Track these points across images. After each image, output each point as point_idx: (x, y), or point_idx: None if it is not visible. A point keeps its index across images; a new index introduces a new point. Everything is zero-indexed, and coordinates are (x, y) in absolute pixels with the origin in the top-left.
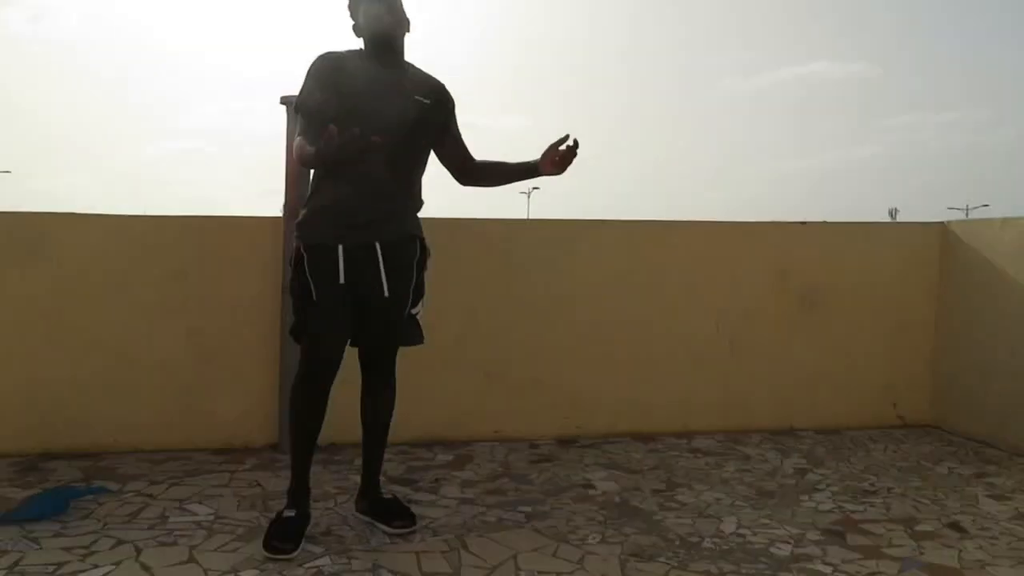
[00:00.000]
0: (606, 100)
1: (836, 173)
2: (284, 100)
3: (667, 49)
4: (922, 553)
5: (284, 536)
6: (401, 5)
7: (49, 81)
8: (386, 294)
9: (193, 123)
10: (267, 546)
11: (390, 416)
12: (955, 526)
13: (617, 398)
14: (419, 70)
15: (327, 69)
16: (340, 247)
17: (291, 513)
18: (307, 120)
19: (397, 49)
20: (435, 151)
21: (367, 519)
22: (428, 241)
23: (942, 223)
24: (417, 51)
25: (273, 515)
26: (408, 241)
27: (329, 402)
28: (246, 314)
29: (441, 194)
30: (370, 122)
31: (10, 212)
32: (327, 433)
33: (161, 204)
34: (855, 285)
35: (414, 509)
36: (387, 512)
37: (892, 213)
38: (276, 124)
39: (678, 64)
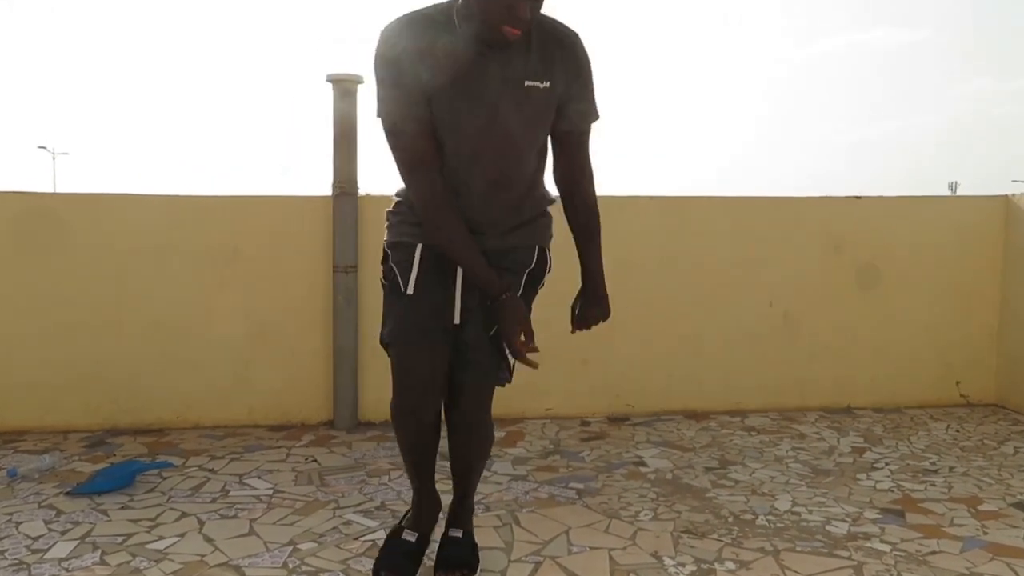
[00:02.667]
0: (656, 69)
1: (894, 144)
2: (331, 78)
3: (722, 15)
4: (985, 532)
5: (395, 565)
6: None
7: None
8: (455, 319)
9: None
10: (376, 573)
11: (475, 459)
12: (1021, 506)
13: (668, 376)
14: (540, 24)
15: (405, 59)
16: (419, 246)
17: (411, 537)
18: (392, 139)
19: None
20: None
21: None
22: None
23: (1005, 196)
24: None
25: (389, 528)
26: (514, 250)
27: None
28: (299, 291)
29: None
30: (463, 133)
31: (69, 193)
32: (380, 409)
33: None
34: (914, 260)
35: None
36: (442, 554)
37: (952, 187)
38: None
39: (733, 32)
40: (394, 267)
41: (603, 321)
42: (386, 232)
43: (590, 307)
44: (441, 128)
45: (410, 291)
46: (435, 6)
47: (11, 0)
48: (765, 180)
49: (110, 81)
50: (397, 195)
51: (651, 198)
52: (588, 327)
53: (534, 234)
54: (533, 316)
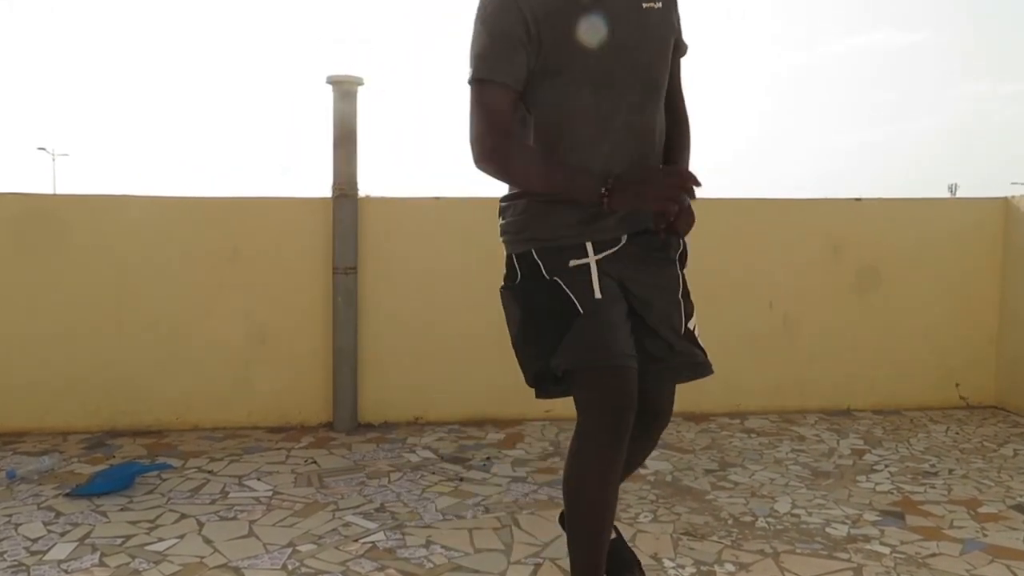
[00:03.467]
0: None
1: (894, 146)
2: (331, 80)
3: (725, 19)
4: (985, 534)
5: None
6: None
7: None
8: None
9: None
10: None
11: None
12: (1021, 508)
13: None
14: None
15: (508, 28)
16: (589, 244)
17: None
18: (496, 65)
19: None
20: None
21: None
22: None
23: (1004, 198)
24: None
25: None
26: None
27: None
28: (298, 293)
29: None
30: (610, 58)
31: (69, 194)
32: (380, 411)
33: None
34: (914, 262)
35: (466, 487)
36: (612, 555)
37: (951, 189)
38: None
39: (734, 32)
40: (563, 286)
41: (691, 226)
42: (515, 241)
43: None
44: (581, 63)
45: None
46: None
47: (11, 0)
48: (765, 182)
49: (110, 82)
50: (504, 200)
51: None
52: (678, 231)
53: None
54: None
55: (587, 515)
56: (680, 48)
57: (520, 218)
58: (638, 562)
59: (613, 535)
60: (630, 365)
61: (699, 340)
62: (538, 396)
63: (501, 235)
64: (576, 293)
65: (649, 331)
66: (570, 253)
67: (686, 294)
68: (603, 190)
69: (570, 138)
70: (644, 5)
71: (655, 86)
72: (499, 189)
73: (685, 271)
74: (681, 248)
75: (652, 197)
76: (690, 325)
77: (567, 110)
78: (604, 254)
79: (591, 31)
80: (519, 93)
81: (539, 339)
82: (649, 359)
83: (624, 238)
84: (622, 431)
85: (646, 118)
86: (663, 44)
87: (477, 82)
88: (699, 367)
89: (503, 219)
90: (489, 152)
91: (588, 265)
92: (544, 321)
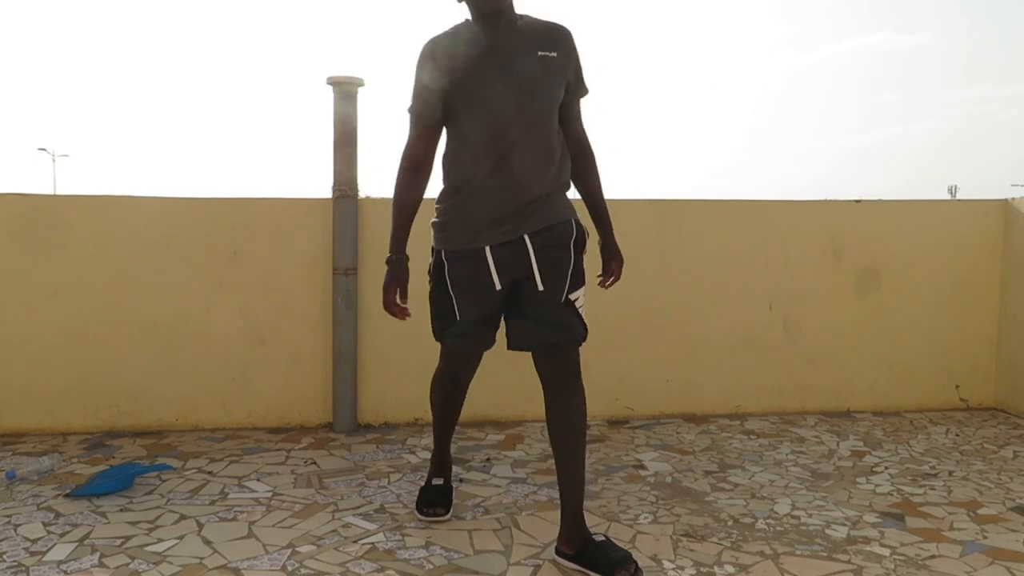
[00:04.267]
0: (659, 72)
1: (894, 148)
2: (331, 81)
3: (723, 20)
4: (985, 536)
5: (431, 500)
6: None
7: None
8: (540, 288)
9: None
10: (420, 510)
11: (579, 433)
12: (1021, 510)
13: (668, 379)
14: (535, 19)
15: (438, 54)
16: (488, 249)
17: (439, 482)
18: (422, 109)
19: (506, 7)
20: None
21: (576, 567)
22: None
23: (1004, 200)
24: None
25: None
26: (559, 224)
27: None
28: (298, 294)
29: None
30: (494, 99)
31: (69, 195)
32: (379, 412)
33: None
34: (914, 264)
35: (466, 488)
36: (601, 558)
37: (951, 191)
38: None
39: (735, 36)
40: (459, 275)
41: (621, 267)
42: (435, 238)
43: (611, 259)
44: (473, 106)
45: (498, 288)
46: (453, 26)
47: (11, 0)
48: (765, 183)
49: (110, 82)
50: (440, 206)
51: (651, 201)
52: (618, 277)
53: (566, 208)
54: None
55: (433, 412)
56: (579, 90)
57: (439, 220)
58: (628, 556)
59: (600, 538)
60: (472, 351)
61: (580, 312)
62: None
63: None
64: (458, 298)
65: (535, 301)
66: (470, 257)
67: (576, 273)
68: (389, 258)
69: (468, 154)
70: (539, 53)
71: (536, 121)
72: None
73: (583, 254)
74: (575, 235)
75: (386, 289)
76: (572, 297)
77: (467, 136)
78: (499, 249)
79: (482, 81)
80: (438, 127)
81: (437, 312)
82: (535, 324)
83: (526, 236)
84: (458, 376)
85: (528, 144)
86: (551, 89)
87: (410, 121)
88: (570, 328)
89: (434, 217)
90: (398, 174)
91: (486, 263)
92: (438, 303)
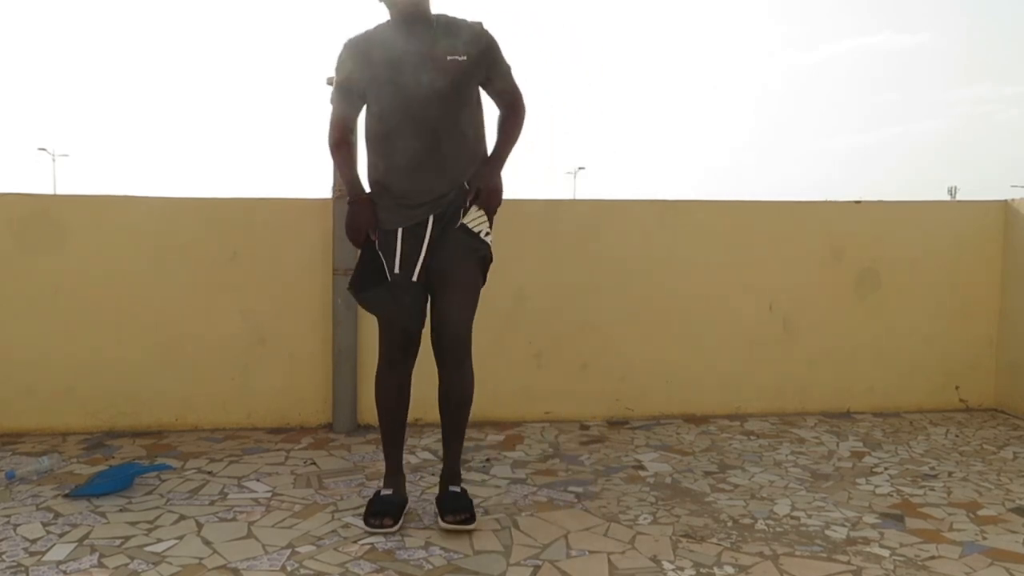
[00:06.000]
0: (657, 71)
1: (894, 149)
2: (331, 81)
3: (723, 20)
4: (985, 538)
5: (378, 511)
6: None
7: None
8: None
9: None
10: (366, 521)
11: (461, 403)
12: (1020, 511)
13: (668, 380)
14: (451, 20)
15: (354, 51)
16: (400, 230)
17: (388, 492)
18: (338, 99)
19: (422, 12)
20: (486, 92)
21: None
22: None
23: (1004, 201)
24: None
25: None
26: (455, 201)
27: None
28: (298, 294)
29: None
30: (403, 96)
31: (69, 195)
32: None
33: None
34: (913, 265)
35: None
36: (444, 505)
37: (951, 191)
38: None
39: (735, 37)
40: (380, 252)
41: (490, 205)
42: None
43: (476, 181)
44: (386, 100)
45: (395, 271)
46: (376, 25)
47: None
48: (765, 184)
49: (110, 82)
50: (370, 179)
51: (651, 201)
52: (482, 202)
53: (462, 179)
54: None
55: (378, 415)
56: (499, 77)
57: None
58: (462, 508)
59: (458, 489)
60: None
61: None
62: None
63: None
64: (388, 264)
65: (440, 259)
66: (390, 234)
67: (463, 227)
68: (351, 201)
69: (376, 153)
70: (449, 57)
71: (438, 124)
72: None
73: (468, 217)
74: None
75: (350, 229)
76: (464, 220)
77: (378, 124)
78: (409, 231)
79: (391, 87)
80: (352, 119)
81: (361, 276)
82: (435, 276)
83: (430, 218)
84: (395, 363)
85: (431, 132)
86: (461, 89)
87: (331, 111)
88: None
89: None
90: (328, 144)
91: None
92: (367, 268)
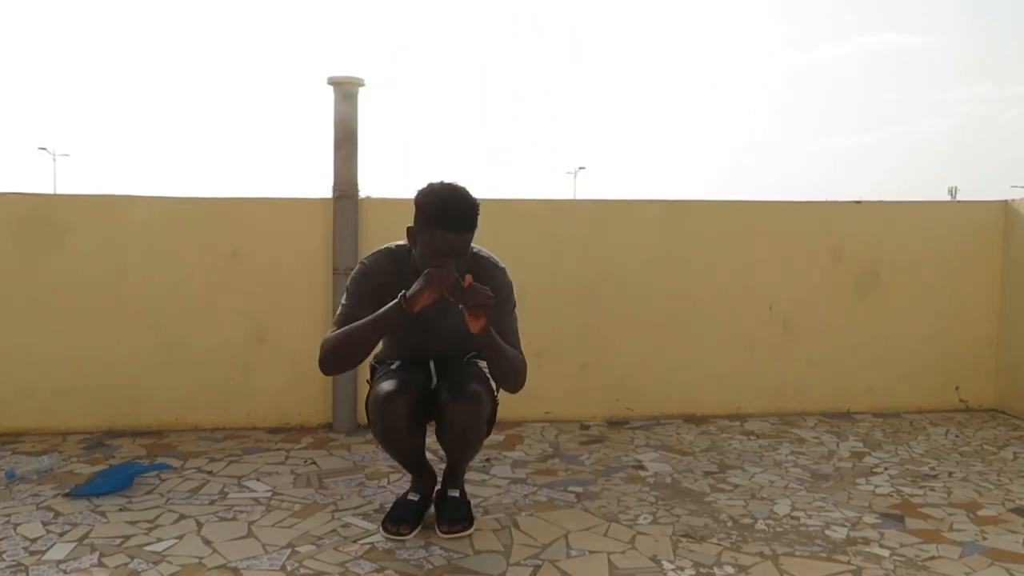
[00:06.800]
0: (657, 71)
1: (895, 149)
2: (332, 81)
3: (723, 20)
4: (985, 538)
5: (396, 517)
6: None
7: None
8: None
9: None
10: (383, 525)
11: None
12: (1020, 511)
13: (668, 380)
14: (474, 263)
15: (371, 290)
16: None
17: (414, 497)
18: (341, 320)
19: None
20: None
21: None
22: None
23: (1004, 201)
24: None
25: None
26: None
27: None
28: (298, 294)
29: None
30: (416, 347)
31: (69, 194)
32: None
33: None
34: (914, 265)
35: (465, 488)
36: (442, 512)
37: (952, 192)
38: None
39: (735, 37)
40: (377, 366)
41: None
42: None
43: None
44: (400, 347)
45: (393, 366)
46: (400, 249)
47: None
48: (765, 184)
49: (111, 82)
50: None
51: (651, 201)
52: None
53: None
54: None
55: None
56: (502, 322)
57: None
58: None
59: (455, 494)
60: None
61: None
62: None
63: None
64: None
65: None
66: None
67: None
68: (402, 300)
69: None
70: (460, 306)
71: (461, 350)
72: (496, 190)
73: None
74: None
75: (431, 287)
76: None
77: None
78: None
79: (409, 331)
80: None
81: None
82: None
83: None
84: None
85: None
86: (461, 334)
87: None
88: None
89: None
90: (336, 337)
91: None
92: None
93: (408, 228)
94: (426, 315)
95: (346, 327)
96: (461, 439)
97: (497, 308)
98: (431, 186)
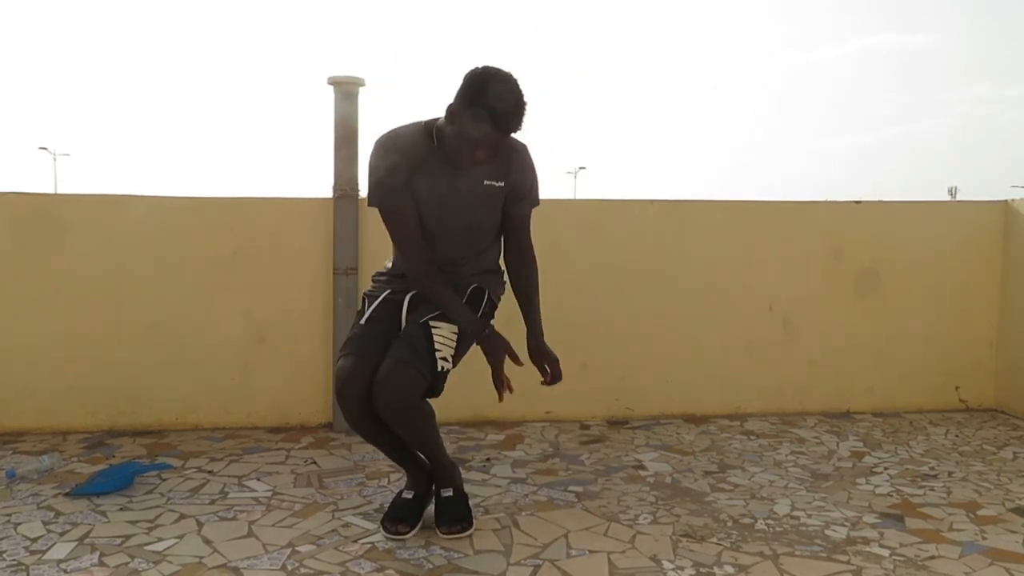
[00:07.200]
0: (658, 71)
1: (895, 149)
2: (332, 81)
3: (723, 20)
4: (984, 537)
5: (395, 516)
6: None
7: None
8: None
9: None
10: (383, 525)
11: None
12: (1020, 511)
13: (668, 379)
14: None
15: (392, 161)
16: (384, 293)
17: (408, 495)
18: (390, 218)
19: None
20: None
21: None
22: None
23: (1004, 201)
24: None
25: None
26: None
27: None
28: (298, 294)
29: None
30: (437, 221)
31: (70, 194)
32: None
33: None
34: (914, 265)
35: (465, 488)
36: (439, 513)
37: (952, 192)
38: None
39: (735, 37)
40: (364, 299)
41: (556, 366)
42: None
43: (543, 360)
44: (422, 215)
45: (363, 320)
46: (418, 124)
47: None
48: (764, 184)
49: (112, 82)
50: (389, 264)
51: (651, 201)
52: (556, 375)
53: (483, 283)
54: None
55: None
56: (525, 205)
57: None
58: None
59: (449, 493)
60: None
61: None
62: None
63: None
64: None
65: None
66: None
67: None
68: (483, 331)
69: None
70: (486, 182)
71: (476, 237)
72: None
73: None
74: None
75: (495, 361)
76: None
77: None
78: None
79: (437, 203)
80: (408, 205)
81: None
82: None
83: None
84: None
85: (468, 263)
86: (491, 210)
87: (387, 212)
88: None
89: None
90: (419, 275)
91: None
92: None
93: (448, 106)
94: (443, 202)
95: (432, 284)
96: (396, 422)
97: (529, 195)
98: (488, 71)
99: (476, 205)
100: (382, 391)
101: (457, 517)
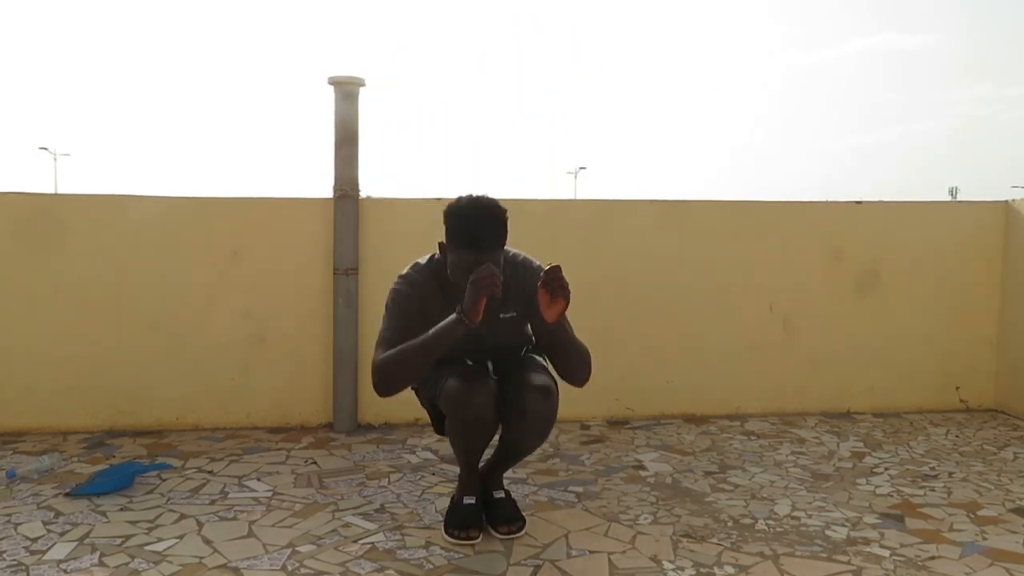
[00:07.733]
0: (658, 71)
1: (895, 149)
2: (332, 81)
3: (723, 20)
4: (985, 538)
5: (460, 522)
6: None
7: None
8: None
9: None
10: (448, 531)
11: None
12: (1020, 511)
13: (668, 380)
14: (512, 267)
15: (418, 308)
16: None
17: (471, 500)
18: (383, 347)
19: None
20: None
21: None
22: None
23: (1005, 202)
24: None
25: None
26: None
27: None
28: (299, 293)
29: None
30: (471, 354)
31: (70, 194)
32: (380, 412)
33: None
34: (914, 266)
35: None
36: (496, 512)
37: (952, 192)
38: None
39: (735, 37)
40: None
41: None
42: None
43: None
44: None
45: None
46: (430, 265)
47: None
48: (765, 184)
49: (112, 81)
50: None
51: (651, 202)
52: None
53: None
54: None
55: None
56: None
57: None
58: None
59: (502, 495)
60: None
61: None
62: None
63: None
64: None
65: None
66: None
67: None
68: (458, 313)
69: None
70: (500, 315)
71: (506, 352)
72: (498, 188)
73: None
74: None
75: (483, 292)
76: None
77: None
78: None
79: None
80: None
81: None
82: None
83: None
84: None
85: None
86: (514, 336)
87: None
88: None
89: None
90: (388, 360)
91: None
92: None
93: (440, 243)
94: (465, 347)
95: (403, 347)
96: (537, 432)
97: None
98: (459, 203)
99: (498, 341)
100: (543, 397)
101: (513, 516)
